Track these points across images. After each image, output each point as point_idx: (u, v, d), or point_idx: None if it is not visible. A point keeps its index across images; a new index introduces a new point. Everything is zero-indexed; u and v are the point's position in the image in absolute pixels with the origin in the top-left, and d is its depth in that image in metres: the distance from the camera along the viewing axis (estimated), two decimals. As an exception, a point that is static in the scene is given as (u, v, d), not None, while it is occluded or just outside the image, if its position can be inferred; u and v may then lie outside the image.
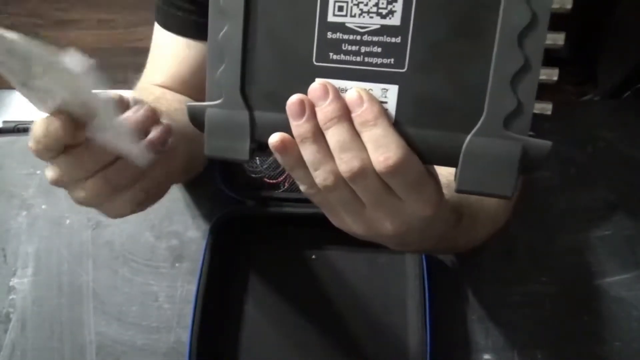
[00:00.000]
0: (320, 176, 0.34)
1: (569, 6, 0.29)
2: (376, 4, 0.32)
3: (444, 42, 0.31)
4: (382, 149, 0.33)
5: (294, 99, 0.33)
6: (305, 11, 0.33)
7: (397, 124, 0.33)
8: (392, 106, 0.33)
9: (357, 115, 0.33)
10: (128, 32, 1.65)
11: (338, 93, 0.33)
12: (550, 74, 0.30)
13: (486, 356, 0.51)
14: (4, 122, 1.01)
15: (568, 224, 0.54)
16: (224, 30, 0.34)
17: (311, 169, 0.35)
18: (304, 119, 0.33)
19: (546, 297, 0.52)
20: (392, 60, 0.32)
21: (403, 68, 0.32)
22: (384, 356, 0.52)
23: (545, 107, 0.30)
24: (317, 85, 0.33)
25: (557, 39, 0.30)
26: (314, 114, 0.33)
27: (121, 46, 1.61)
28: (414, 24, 0.31)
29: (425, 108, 0.33)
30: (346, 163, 0.33)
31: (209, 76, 0.35)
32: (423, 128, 0.33)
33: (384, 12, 0.32)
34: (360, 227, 0.36)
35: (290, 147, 0.34)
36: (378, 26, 0.32)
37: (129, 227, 0.60)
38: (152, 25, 0.61)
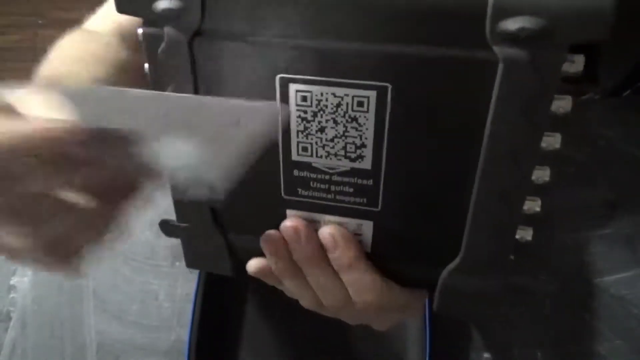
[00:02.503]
0: (303, 302, 0.35)
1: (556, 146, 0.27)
2: (344, 148, 0.29)
3: (418, 186, 0.29)
4: (361, 292, 0.32)
5: (266, 238, 0.32)
6: (267, 149, 0.30)
7: (374, 254, 0.32)
8: (367, 238, 0.32)
9: (332, 257, 0.32)
10: (128, 31, 1.65)
11: (311, 234, 0.31)
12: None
13: (486, 355, 0.51)
14: (5, 121, 1.01)
15: (568, 222, 0.54)
16: None
17: (292, 295, 0.35)
18: (278, 258, 0.32)
19: (546, 295, 0.52)
20: (365, 200, 0.30)
21: (377, 207, 0.30)
22: (383, 355, 0.52)
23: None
24: (288, 226, 0.31)
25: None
26: (289, 252, 0.32)
27: (122, 45, 1.61)
28: (386, 169, 0.29)
29: (401, 242, 0.32)
30: (327, 299, 0.33)
31: (175, 202, 0.33)
32: (400, 260, 0.32)
33: (353, 156, 0.29)
34: (346, 321, 0.37)
35: (268, 273, 0.34)
36: (347, 168, 0.29)
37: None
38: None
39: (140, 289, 0.57)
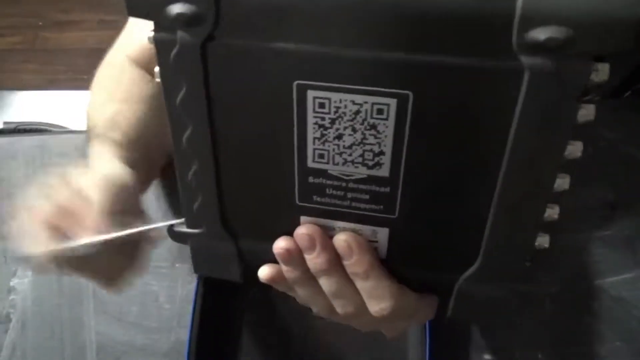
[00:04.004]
0: (315, 309, 0.34)
1: (578, 154, 0.26)
2: (361, 155, 0.28)
3: (437, 195, 0.29)
4: (376, 299, 0.31)
5: (280, 245, 0.31)
6: (281, 156, 0.29)
7: (389, 261, 0.32)
8: (383, 245, 0.31)
9: (347, 265, 0.31)
10: (128, 33, 1.65)
11: (326, 242, 0.31)
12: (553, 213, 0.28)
13: (486, 356, 0.51)
14: (5, 123, 1.01)
15: (568, 223, 0.54)
16: (194, 169, 0.31)
17: (304, 302, 0.34)
18: (292, 266, 0.32)
19: (546, 297, 0.52)
20: (382, 207, 0.30)
21: (394, 214, 0.30)
22: (383, 356, 0.52)
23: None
24: (303, 234, 0.31)
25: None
26: (302, 261, 0.31)
27: (122, 47, 1.61)
28: (404, 177, 0.28)
29: (417, 250, 0.31)
30: (340, 307, 0.33)
31: (185, 207, 0.33)
32: (415, 267, 0.32)
33: (371, 163, 0.28)
34: (357, 328, 0.36)
35: (281, 281, 0.33)
36: (364, 175, 0.29)
37: (129, 228, 0.60)
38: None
39: (140, 291, 0.57)
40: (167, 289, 0.57)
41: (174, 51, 0.27)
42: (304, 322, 0.52)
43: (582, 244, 0.54)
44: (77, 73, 1.69)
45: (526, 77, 0.24)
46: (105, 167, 0.41)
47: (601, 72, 0.24)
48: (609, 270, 0.53)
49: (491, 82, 0.25)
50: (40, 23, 1.81)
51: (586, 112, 0.25)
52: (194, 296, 0.52)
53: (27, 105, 1.70)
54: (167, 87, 0.29)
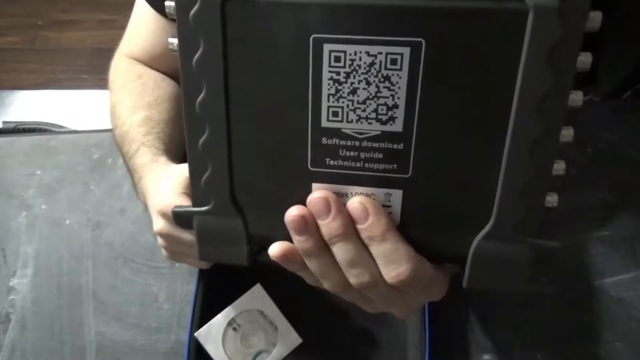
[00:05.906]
0: (328, 284, 0.33)
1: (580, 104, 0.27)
2: (375, 110, 0.29)
3: (450, 148, 0.29)
4: (393, 264, 0.31)
5: (293, 213, 0.31)
6: (295, 116, 0.30)
7: (403, 227, 0.31)
8: (396, 209, 0.31)
9: (363, 228, 0.30)
10: (128, 32, 1.65)
11: (340, 206, 0.30)
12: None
13: (486, 356, 0.51)
14: (4, 122, 1.01)
15: (568, 224, 0.54)
16: (205, 137, 0.31)
17: (318, 277, 0.33)
18: (307, 235, 0.31)
19: (546, 297, 0.52)
20: (395, 166, 0.30)
21: (407, 174, 0.30)
22: (382, 355, 0.52)
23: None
24: (317, 198, 0.30)
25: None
26: (316, 229, 0.31)
27: (121, 47, 1.61)
28: (417, 131, 0.29)
29: (431, 211, 0.31)
30: (355, 277, 0.32)
31: (192, 182, 0.32)
32: (430, 230, 0.32)
33: (384, 118, 0.29)
34: (367, 309, 0.36)
35: (293, 257, 0.32)
36: (378, 132, 0.29)
37: (129, 228, 0.60)
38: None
39: (140, 291, 0.57)
40: (167, 289, 0.57)
41: (194, 9, 0.28)
42: (303, 324, 0.52)
43: (581, 244, 0.54)
44: (76, 73, 1.69)
45: (530, 16, 0.25)
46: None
47: (594, 20, 0.26)
48: (609, 270, 0.53)
49: (498, 25, 0.26)
50: (40, 23, 1.81)
51: (584, 59, 0.26)
52: (193, 296, 0.52)
53: (27, 104, 1.70)
54: (184, 48, 0.29)
